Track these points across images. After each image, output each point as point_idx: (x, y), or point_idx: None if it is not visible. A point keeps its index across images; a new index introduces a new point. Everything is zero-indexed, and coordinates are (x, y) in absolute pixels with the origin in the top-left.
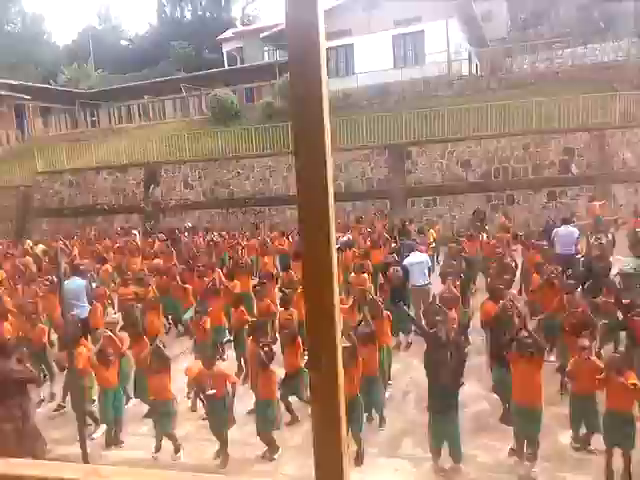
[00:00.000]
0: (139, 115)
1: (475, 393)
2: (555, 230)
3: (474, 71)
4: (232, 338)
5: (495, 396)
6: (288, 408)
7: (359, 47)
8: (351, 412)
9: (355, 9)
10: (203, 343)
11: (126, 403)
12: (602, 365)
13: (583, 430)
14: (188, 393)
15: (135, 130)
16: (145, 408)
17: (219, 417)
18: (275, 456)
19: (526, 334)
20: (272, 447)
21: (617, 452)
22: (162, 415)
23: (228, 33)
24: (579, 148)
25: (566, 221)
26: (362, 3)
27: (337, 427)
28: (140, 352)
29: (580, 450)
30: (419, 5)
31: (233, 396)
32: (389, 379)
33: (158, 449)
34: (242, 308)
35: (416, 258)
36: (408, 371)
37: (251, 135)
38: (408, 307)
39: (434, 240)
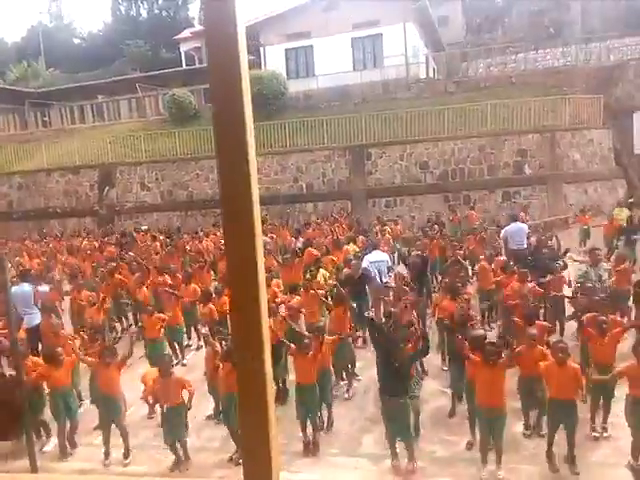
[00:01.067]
0: (93, 115)
1: (434, 390)
2: (505, 228)
3: (432, 74)
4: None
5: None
6: None
7: (319, 49)
8: (309, 400)
9: (314, 11)
10: (153, 344)
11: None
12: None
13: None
14: (145, 399)
15: (88, 130)
16: (96, 419)
17: (175, 426)
18: None
19: (491, 341)
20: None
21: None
22: (110, 410)
23: (186, 32)
24: (531, 150)
25: (515, 218)
26: (321, 5)
27: (265, 425)
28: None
29: (531, 437)
30: (377, 9)
31: (189, 404)
32: (355, 375)
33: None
34: (211, 305)
35: (376, 257)
36: (368, 368)
37: (210, 136)
38: (368, 305)
39: (394, 239)
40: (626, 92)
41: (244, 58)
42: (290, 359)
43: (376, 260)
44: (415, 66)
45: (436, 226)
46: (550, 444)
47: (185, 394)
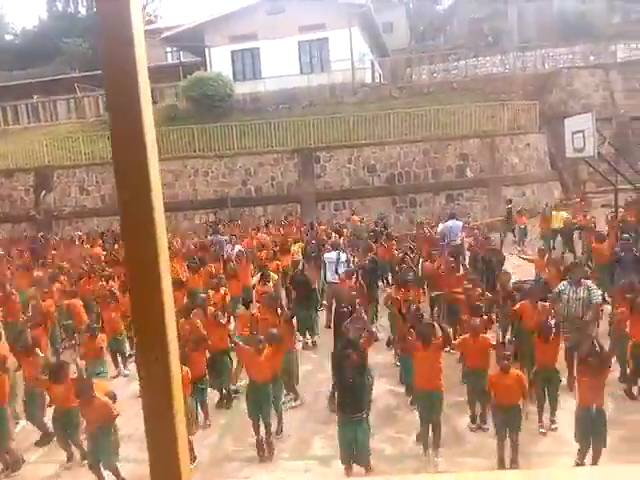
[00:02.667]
0: (28, 116)
1: (381, 388)
2: (444, 224)
3: (377, 79)
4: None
5: (400, 390)
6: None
7: (265, 51)
8: (262, 399)
9: (260, 13)
10: (93, 361)
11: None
12: (493, 342)
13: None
14: None
15: (23, 132)
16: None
17: (98, 448)
18: None
19: (427, 322)
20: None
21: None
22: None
23: None
24: (473, 154)
25: (452, 216)
26: (267, 7)
27: (170, 431)
28: (30, 369)
29: (476, 430)
30: (323, 13)
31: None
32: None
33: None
34: None
35: (333, 255)
36: (318, 371)
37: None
38: (316, 308)
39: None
40: (559, 99)
41: (142, 60)
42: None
43: (332, 259)
44: (361, 71)
45: (382, 228)
46: (500, 444)
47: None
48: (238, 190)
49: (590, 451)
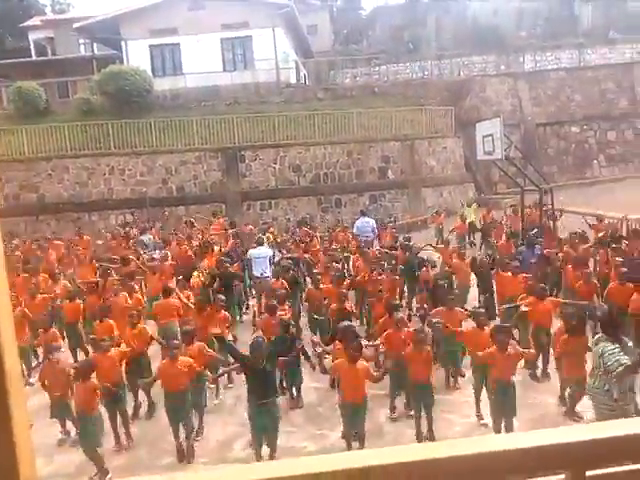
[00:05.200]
0: None
1: (304, 386)
2: (356, 223)
3: (302, 80)
4: None
5: (323, 386)
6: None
7: (186, 47)
8: (179, 407)
9: (181, 8)
10: None
11: None
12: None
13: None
14: None
15: None
16: None
17: None
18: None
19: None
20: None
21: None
22: None
23: (35, 20)
24: (394, 156)
25: (363, 213)
26: (188, 3)
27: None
28: None
29: (397, 420)
30: (245, 11)
31: None
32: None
33: None
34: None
35: (259, 251)
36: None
37: (64, 133)
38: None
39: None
40: (473, 105)
41: None
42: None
43: (258, 254)
44: (286, 71)
45: (305, 228)
46: (417, 423)
47: None
48: (158, 189)
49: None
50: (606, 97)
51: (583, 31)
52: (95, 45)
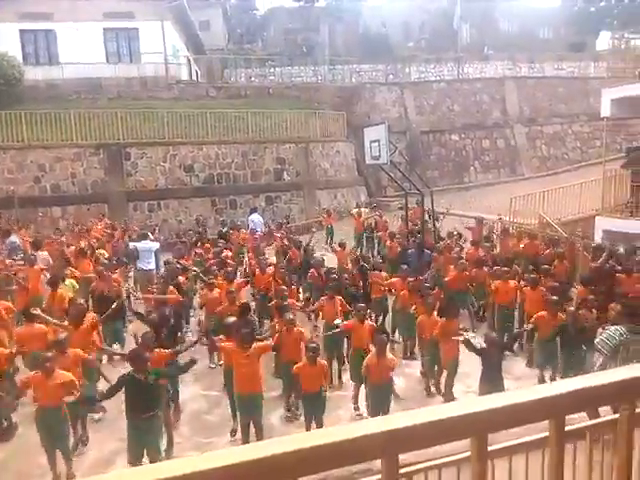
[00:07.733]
0: None
1: (194, 393)
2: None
3: (194, 77)
4: None
5: (213, 393)
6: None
7: (63, 35)
8: (55, 426)
9: None
10: None
11: None
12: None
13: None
14: None
15: None
16: None
17: None
18: None
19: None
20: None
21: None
22: None
23: None
24: (289, 158)
25: (254, 210)
26: None
27: None
28: None
29: (292, 421)
30: (130, 2)
31: None
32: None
33: None
34: None
35: (146, 244)
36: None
37: None
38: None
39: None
40: (363, 111)
41: None
42: None
43: (145, 248)
44: (176, 66)
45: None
46: (307, 426)
47: None
48: (29, 188)
49: None
50: (481, 108)
51: (462, 47)
52: None
